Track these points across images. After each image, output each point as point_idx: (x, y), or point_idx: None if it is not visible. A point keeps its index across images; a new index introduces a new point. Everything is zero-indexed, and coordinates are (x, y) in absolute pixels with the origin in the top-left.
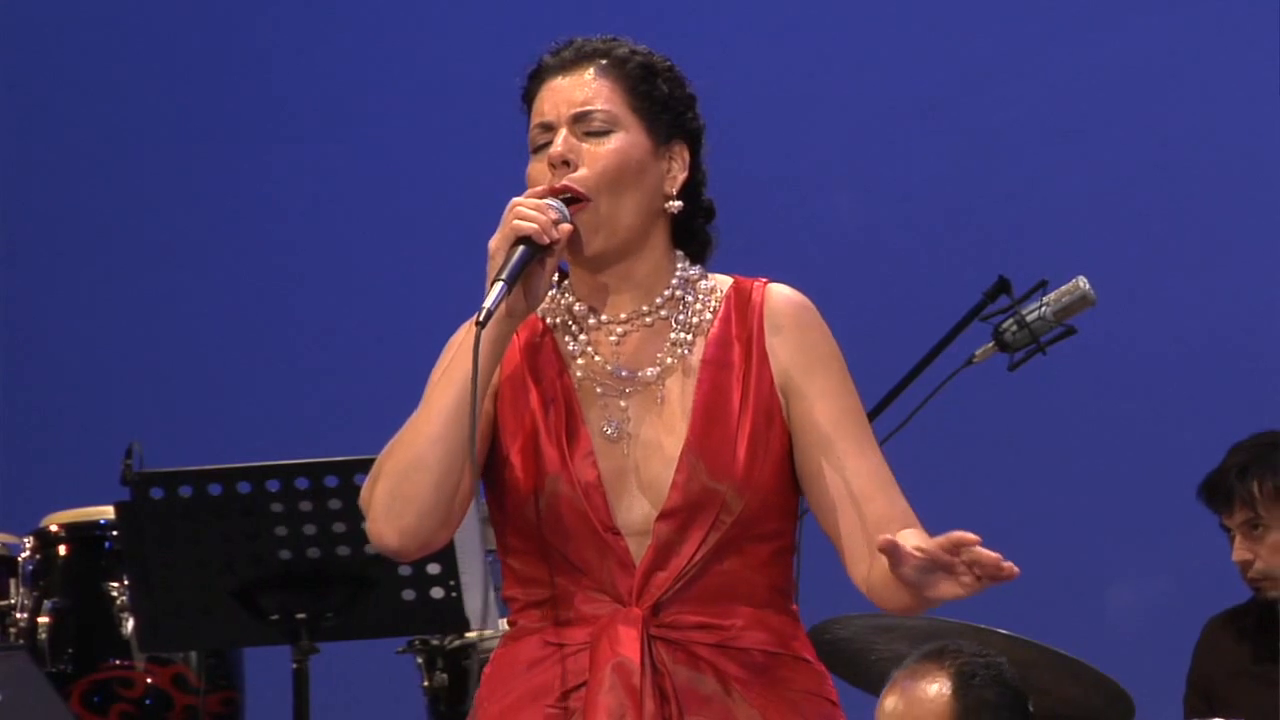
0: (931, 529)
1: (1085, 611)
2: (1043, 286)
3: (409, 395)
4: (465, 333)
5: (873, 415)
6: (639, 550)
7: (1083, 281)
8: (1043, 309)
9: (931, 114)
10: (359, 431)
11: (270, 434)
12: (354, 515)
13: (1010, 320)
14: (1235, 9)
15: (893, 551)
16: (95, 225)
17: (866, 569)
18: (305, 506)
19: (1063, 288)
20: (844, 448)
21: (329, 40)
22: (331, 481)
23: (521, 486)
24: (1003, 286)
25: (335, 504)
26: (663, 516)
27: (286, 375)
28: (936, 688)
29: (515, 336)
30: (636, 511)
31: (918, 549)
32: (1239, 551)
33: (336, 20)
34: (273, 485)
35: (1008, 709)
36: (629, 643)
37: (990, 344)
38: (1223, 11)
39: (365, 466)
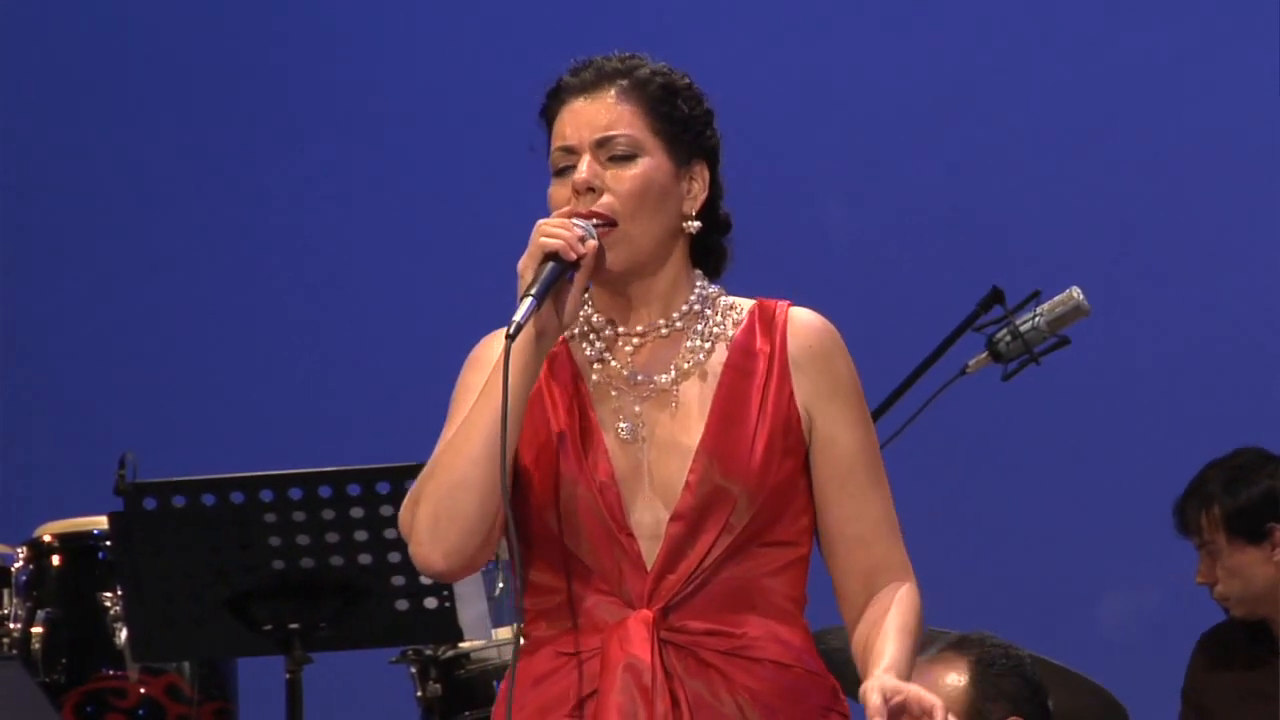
0: (925, 538)
1: (1078, 621)
2: (1036, 297)
3: (403, 406)
4: (483, 348)
5: None
6: (651, 553)
7: (1076, 292)
8: (1036, 319)
9: (926, 124)
10: (353, 442)
11: (264, 444)
12: (347, 525)
13: (1004, 330)
14: (1232, 21)
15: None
16: (91, 235)
17: (855, 616)
18: (299, 517)
19: (1056, 298)
20: (853, 487)
21: (331, 48)
22: (325, 492)
23: (537, 490)
24: (996, 297)
25: (329, 514)
26: (675, 518)
27: (280, 386)
28: (954, 676)
29: None
30: (649, 513)
31: (891, 700)
32: (1200, 574)
33: (338, 27)
34: (266, 495)
35: (1026, 702)
36: (640, 643)
37: (984, 354)
38: (1219, 22)
39: (358, 476)
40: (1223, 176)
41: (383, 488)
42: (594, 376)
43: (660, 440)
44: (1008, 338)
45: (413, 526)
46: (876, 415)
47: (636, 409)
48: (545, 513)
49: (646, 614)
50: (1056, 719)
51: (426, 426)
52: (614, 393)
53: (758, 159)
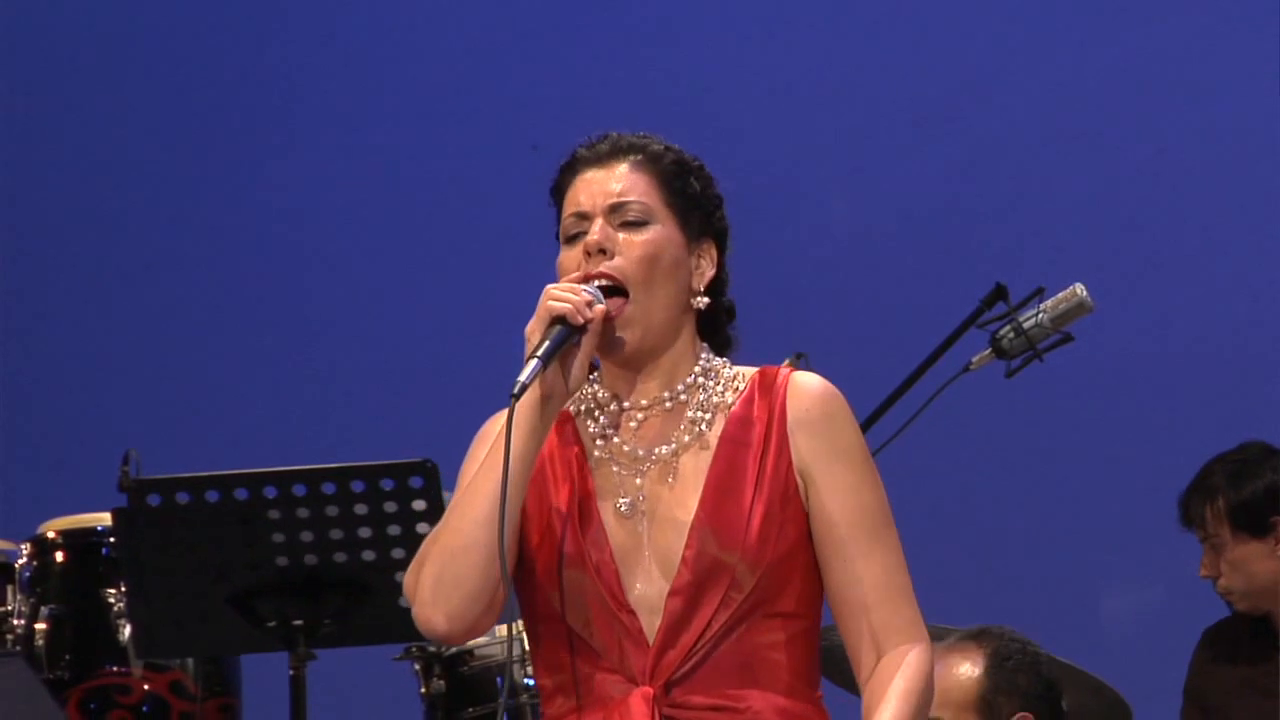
0: (928, 535)
1: (1082, 618)
2: (1040, 294)
3: (407, 403)
4: (492, 423)
5: (870, 422)
6: (653, 627)
7: (1080, 289)
8: (1040, 316)
9: (929, 121)
10: (356, 439)
11: (267, 441)
12: (351, 522)
13: (1007, 327)
14: (1232, 17)
15: None
16: (94, 231)
17: (864, 679)
18: (302, 513)
19: (1060, 295)
20: (854, 550)
21: (331, 46)
22: (329, 488)
23: (540, 570)
24: (1000, 293)
25: (332, 510)
26: (673, 592)
27: (284, 382)
28: (968, 666)
29: None
30: (650, 587)
31: None
32: (1203, 568)
33: (337, 25)
34: (270, 492)
35: (1038, 700)
36: None
37: (987, 351)
38: (1222, 18)
39: (363, 473)
40: (1226, 173)
41: (387, 484)
42: (597, 453)
43: (658, 514)
44: (1011, 334)
45: (416, 588)
46: (879, 413)
47: (638, 482)
48: (548, 592)
49: (648, 690)
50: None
51: (429, 423)
52: (615, 468)
53: (761, 156)
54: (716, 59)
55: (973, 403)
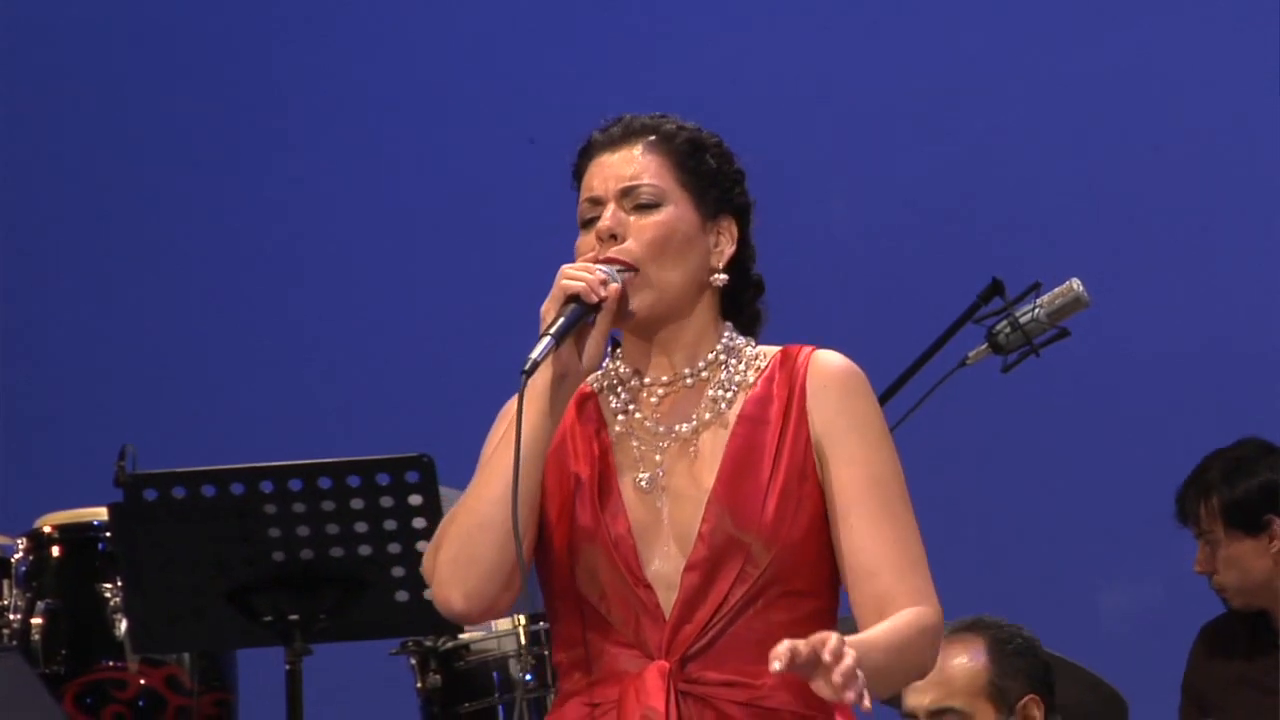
0: (924, 531)
1: (1079, 614)
2: (1036, 288)
3: (403, 398)
4: (513, 403)
5: None
6: (669, 603)
7: (1076, 283)
8: (1036, 311)
9: (926, 116)
10: (353, 433)
11: (264, 435)
12: (347, 517)
13: (1004, 322)
14: (1232, 14)
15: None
16: (91, 227)
17: None
18: (299, 508)
19: (1056, 290)
20: (860, 518)
21: (330, 43)
22: (325, 483)
23: (558, 545)
24: (996, 288)
25: (329, 505)
26: (689, 567)
27: (280, 377)
28: (971, 655)
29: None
30: (667, 563)
31: (791, 651)
32: (1198, 563)
33: (337, 22)
34: (266, 487)
35: (1040, 681)
36: (656, 694)
37: (984, 346)
38: (1219, 15)
39: (359, 468)
40: (1222, 168)
41: (383, 479)
42: (617, 428)
43: (677, 490)
44: (1008, 329)
45: (435, 568)
46: None
47: (657, 459)
48: (566, 567)
49: (664, 665)
50: (1057, 711)
51: (426, 418)
52: (635, 443)
53: (759, 152)
54: (716, 58)
55: (969, 398)
